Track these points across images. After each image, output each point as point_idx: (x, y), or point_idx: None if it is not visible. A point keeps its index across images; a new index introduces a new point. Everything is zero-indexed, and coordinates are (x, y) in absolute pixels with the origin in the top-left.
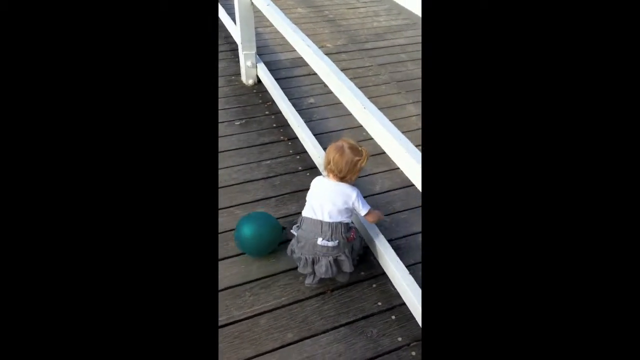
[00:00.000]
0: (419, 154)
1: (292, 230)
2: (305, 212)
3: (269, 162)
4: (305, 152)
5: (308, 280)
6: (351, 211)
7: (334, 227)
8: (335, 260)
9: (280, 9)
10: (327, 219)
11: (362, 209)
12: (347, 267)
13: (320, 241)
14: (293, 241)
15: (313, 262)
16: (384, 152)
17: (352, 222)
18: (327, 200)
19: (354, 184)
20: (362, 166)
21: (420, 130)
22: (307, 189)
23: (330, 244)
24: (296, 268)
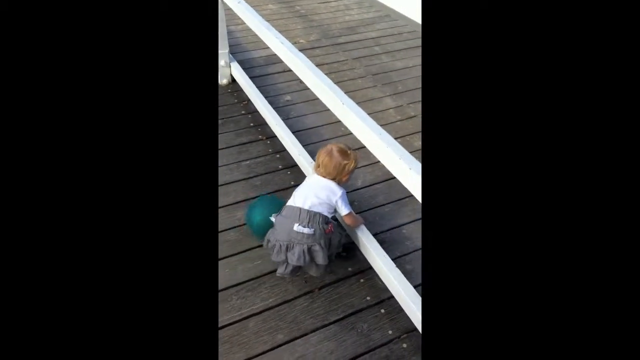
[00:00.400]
0: (399, 146)
1: (271, 217)
2: (289, 202)
3: (248, 162)
4: (285, 150)
5: (280, 270)
6: (333, 208)
7: (311, 215)
8: (309, 250)
9: (251, 6)
10: (306, 207)
11: (344, 209)
12: (321, 259)
13: (296, 227)
14: (271, 230)
15: (287, 249)
16: (365, 147)
17: (332, 219)
18: (312, 192)
19: (344, 186)
20: (350, 169)
21: (398, 123)
22: (289, 188)
23: (305, 230)
24: None
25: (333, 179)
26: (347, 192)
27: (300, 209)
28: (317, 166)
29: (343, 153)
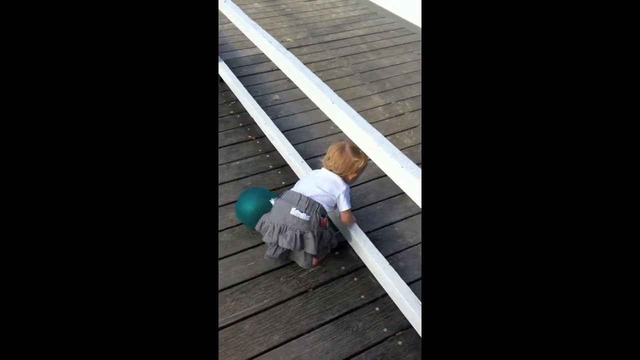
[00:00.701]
0: (390, 144)
1: (270, 200)
2: (292, 189)
3: (238, 162)
4: (275, 150)
5: (269, 252)
6: (334, 203)
7: (311, 202)
8: (302, 236)
9: (237, 5)
10: (307, 195)
11: (345, 205)
12: (311, 248)
13: (293, 211)
14: (267, 213)
15: (279, 232)
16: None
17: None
18: (314, 183)
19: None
20: (359, 167)
21: (387, 120)
22: (280, 188)
23: (302, 216)
24: (276, 269)
25: (340, 174)
26: None
27: (300, 195)
28: (327, 159)
29: (355, 151)
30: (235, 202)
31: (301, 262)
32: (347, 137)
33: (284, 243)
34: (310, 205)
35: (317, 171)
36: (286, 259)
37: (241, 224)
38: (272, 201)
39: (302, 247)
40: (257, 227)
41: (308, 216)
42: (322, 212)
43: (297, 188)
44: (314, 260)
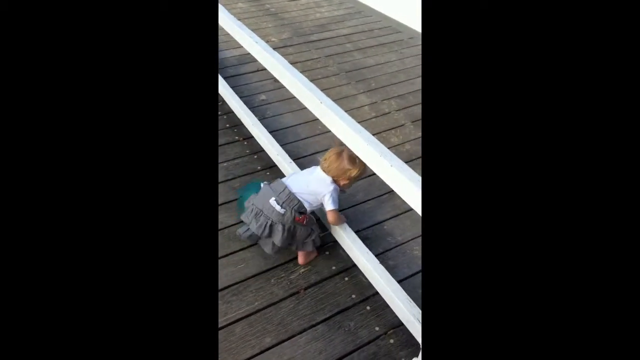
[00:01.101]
0: (379, 144)
1: (261, 183)
2: (284, 178)
3: (225, 164)
4: (263, 150)
5: (240, 230)
6: (319, 202)
7: (291, 197)
8: (271, 226)
9: (222, 5)
10: (292, 189)
11: (330, 205)
12: (277, 239)
13: (271, 200)
14: (255, 194)
15: (255, 215)
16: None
17: (311, 214)
18: (305, 181)
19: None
20: (351, 176)
21: (373, 119)
22: None
23: (277, 207)
24: (266, 271)
25: (331, 177)
26: None
27: (285, 187)
28: (324, 159)
29: (351, 159)
30: (223, 204)
31: (268, 249)
32: (335, 137)
33: (253, 227)
34: (289, 200)
35: (313, 169)
36: (254, 242)
37: (231, 226)
38: (262, 184)
39: (270, 235)
40: (246, 204)
41: (283, 210)
42: (300, 209)
43: (287, 179)
44: (300, 259)
